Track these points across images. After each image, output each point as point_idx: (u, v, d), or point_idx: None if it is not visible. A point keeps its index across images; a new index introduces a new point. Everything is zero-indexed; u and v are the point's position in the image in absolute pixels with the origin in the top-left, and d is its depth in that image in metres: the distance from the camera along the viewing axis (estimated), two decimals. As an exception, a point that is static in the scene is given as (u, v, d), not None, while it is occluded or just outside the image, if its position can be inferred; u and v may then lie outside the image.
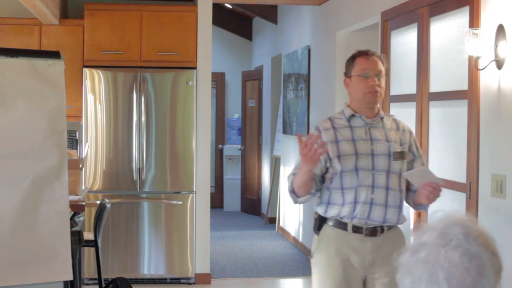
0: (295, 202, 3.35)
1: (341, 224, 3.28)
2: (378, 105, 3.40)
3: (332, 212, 3.30)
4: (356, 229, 3.27)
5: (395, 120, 3.45)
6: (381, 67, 3.37)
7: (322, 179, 3.35)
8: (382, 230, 3.28)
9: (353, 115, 3.36)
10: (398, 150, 3.32)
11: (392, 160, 3.30)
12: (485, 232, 1.45)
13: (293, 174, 3.31)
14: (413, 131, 4.65)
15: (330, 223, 3.31)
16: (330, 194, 3.32)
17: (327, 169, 3.32)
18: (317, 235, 3.35)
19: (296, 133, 3.25)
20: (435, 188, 3.20)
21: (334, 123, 3.37)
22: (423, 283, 1.40)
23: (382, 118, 3.39)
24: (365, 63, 3.35)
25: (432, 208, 3.38)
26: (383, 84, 3.36)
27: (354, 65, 3.37)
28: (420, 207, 3.44)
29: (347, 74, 3.42)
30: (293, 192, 3.30)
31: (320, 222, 3.34)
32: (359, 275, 3.29)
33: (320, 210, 3.35)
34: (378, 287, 3.30)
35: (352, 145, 3.29)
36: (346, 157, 3.27)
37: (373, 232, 3.27)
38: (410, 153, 3.40)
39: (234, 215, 10.90)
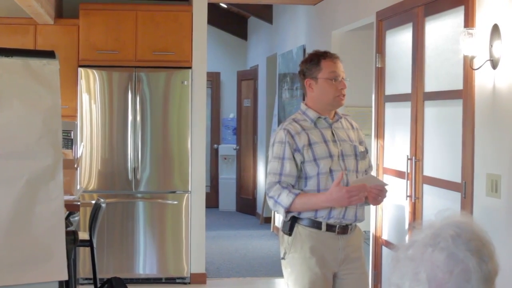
0: (283, 215, 3.32)
1: (314, 223, 3.31)
2: None
3: (307, 213, 3.31)
4: (329, 228, 3.31)
5: (347, 119, 3.52)
6: (343, 69, 3.42)
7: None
8: (351, 228, 3.37)
9: (319, 117, 3.38)
10: (362, 150, 3.42)
11: (359, 160, 3.39)
12: (482, 237, 1.42)
13: (284, 188, 3.25)
14: (408, 130, 4.68)
15: (303, 222, 3.32)
16: None
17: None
18: (289, 235, 3.33)
19: (341, 172, 3.28)
20: (381, 190, 3.30)
21: (302, 125, 3.36)
22: (407, 279, 1.40)
23: (340, 118, 3.45)
24: (333, 66, 3.37)
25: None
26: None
27: (321, 67, 3.36)
28: (365, 203, 3.51)
29: (311, 76, 3.38)
30: (287, 210, 3.27)
31: (292, 222, 3.34)
32: (332, 272, 3.35)
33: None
34: (348, 281, 3.36)
35: (325, 147, 3.32)
36: (322, 160, 3.29)
37: (345, 229, 3.34)
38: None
39: (229, 215, 10.90)
